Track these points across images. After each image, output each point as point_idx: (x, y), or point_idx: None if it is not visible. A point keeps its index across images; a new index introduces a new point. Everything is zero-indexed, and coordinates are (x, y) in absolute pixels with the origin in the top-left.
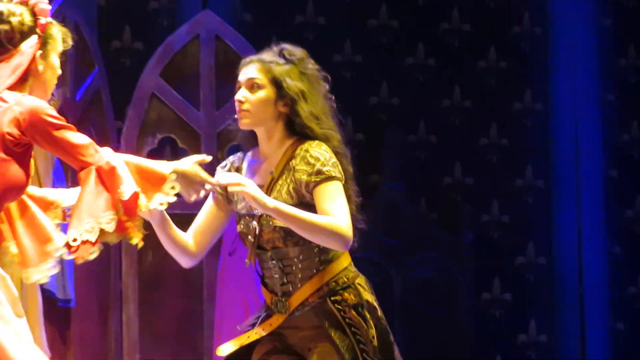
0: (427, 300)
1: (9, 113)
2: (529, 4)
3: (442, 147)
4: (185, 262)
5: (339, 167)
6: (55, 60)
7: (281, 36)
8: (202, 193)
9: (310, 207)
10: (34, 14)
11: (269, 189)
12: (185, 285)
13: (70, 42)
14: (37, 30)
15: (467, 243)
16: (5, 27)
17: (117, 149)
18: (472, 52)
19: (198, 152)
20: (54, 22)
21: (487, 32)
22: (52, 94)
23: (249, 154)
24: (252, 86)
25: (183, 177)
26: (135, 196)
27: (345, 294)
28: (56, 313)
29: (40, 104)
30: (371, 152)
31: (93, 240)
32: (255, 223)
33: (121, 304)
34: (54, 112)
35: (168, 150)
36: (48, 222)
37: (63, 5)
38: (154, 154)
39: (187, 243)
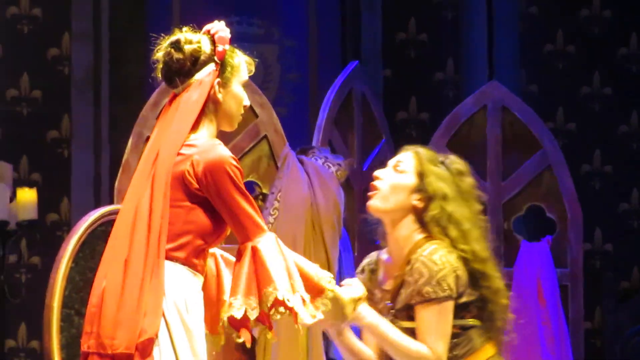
0: None
1: (190, 162)
2: None
3: None
4: None
5: (448, 280)
6: (237, 89)
7: (567, 107)
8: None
9: None
10: (213, 42)
11: (394, 296)
12: None
13: (253, 70)
14: (215, 58)
15: None
16: (180, 55)
17: None
18: None
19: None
20: (235, 49)
21: None
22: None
23: (385, 250)
24: (396, 167)
25: (334, 302)
26: (279, 303)
27: None
28: None
29: (223, 157)
30: None
31: (239, 318)
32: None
33: None
34: (237, 171)
35: None
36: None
37: (350, 77)
38: None
39: (365, 353)
